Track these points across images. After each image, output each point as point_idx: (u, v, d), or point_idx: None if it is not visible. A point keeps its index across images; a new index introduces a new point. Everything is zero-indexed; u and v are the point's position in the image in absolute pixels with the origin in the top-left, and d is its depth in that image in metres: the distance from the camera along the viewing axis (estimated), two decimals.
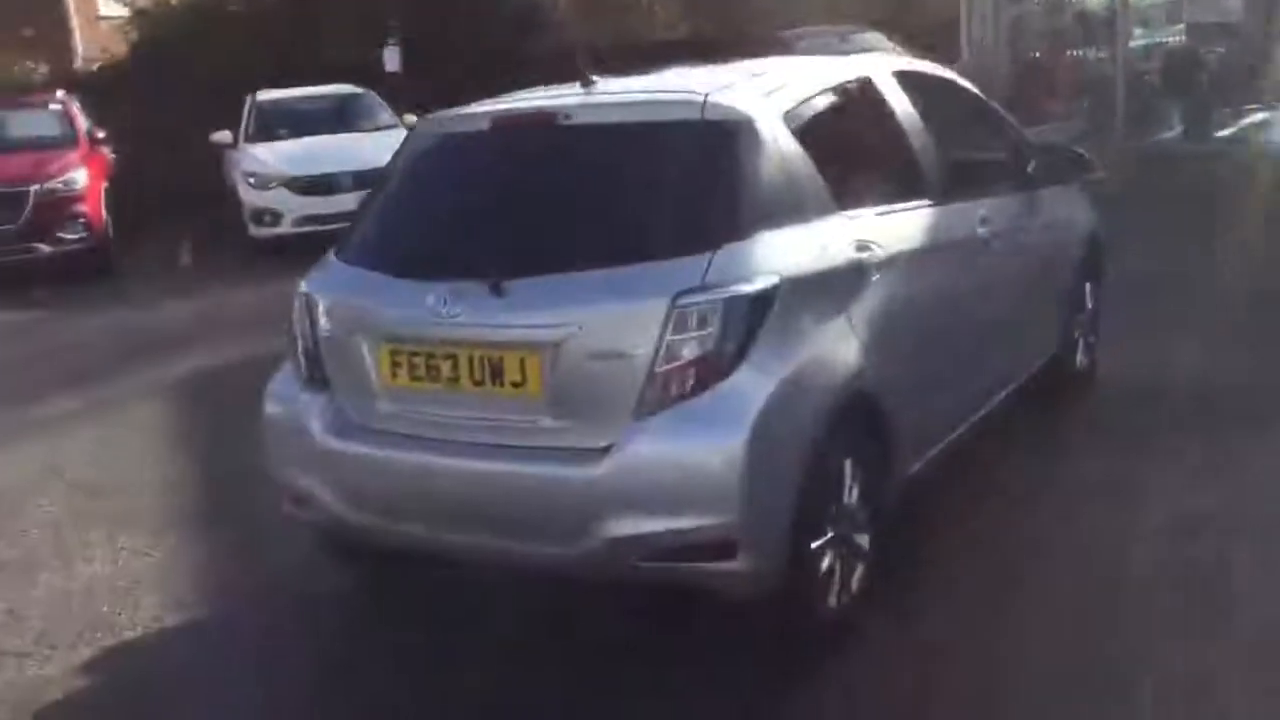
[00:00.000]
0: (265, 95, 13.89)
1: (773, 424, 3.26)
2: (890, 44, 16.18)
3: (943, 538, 4.30)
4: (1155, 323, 6.74)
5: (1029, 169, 5.18)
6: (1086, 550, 4.16)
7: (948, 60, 15.65)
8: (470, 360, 3.47)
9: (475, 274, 3.46)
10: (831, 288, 3.59)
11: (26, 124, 12.80)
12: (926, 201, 4.26)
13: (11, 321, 10.32)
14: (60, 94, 13.66)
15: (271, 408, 3.94)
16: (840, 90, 4.12)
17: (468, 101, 4.20)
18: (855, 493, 3.65)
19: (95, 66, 18.60)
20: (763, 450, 3.22)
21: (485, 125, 3.89)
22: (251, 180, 12.45)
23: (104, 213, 11.87)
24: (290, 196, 12.17)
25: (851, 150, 4.09)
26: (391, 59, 16.64)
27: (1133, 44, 16.18)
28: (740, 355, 3.26)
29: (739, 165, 3.51)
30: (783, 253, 3.45)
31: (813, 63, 4.30)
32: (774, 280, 3.34)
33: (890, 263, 3.85)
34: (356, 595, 4.36)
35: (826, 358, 3.50)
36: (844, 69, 4.31)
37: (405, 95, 14.30)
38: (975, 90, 5.22)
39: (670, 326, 3.23)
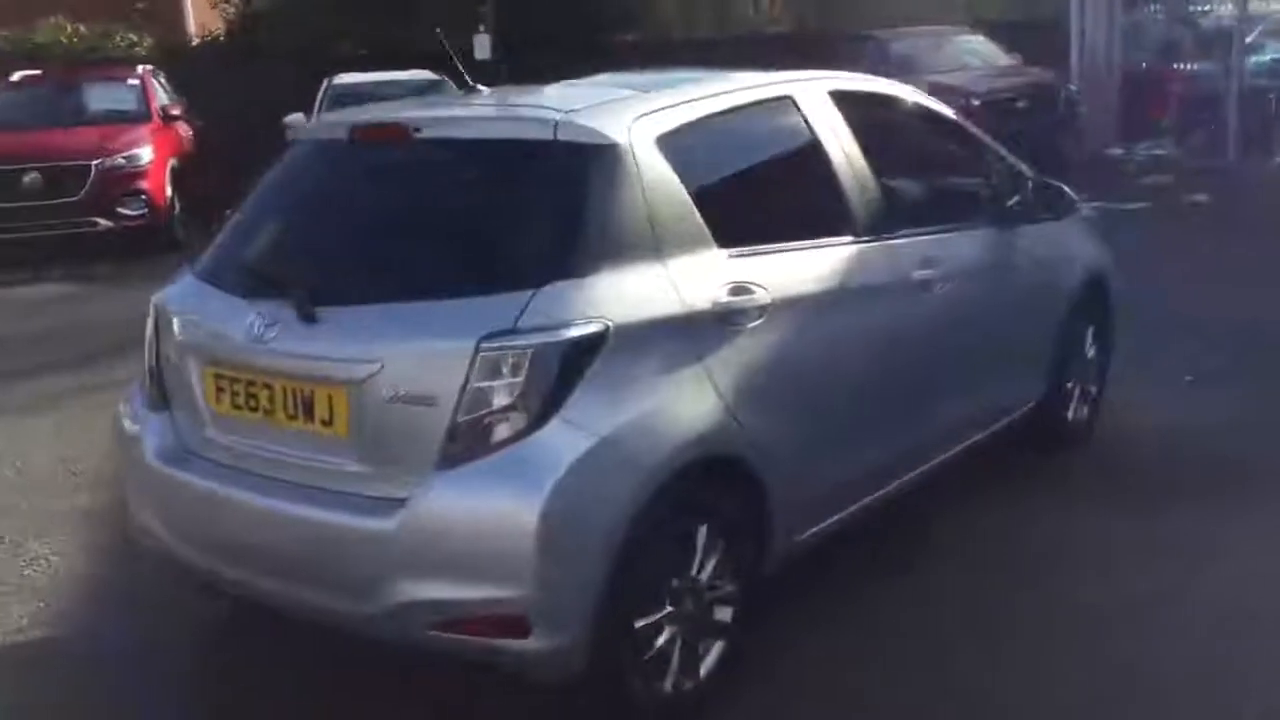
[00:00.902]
0: (341, 79, 13.87)
1: (581, 487, 2.90)
2: (993, 47, 15.48)
3: (824, 603, 3.90)
4: (1205, 373, 6.17)
5: (1010, 203, 4.70)
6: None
7: (1051, 65, 15.05)
8: (285, 392, 3.19)
9: (294, 297, 3.19)
10: (689, 336, 3.20)
11: (102, 98, 12.98)
12: (846, 239, 3.84)
13: (61, 293, 10.49)
14: (141, 69, 13.84)
15: (119, 424, 3.73)
16: (744, 113, 3.71)
17: None
18: (712, 563, 3.28)
19: (194, 42, 18.91)
20: (564, 517, 2.88)
21: (344, 134, 3.60)
22: None
23: (167, 189, 11.97)
24: None
25: (747, 181, 3.69)
26: (481, 47, 16.52)
27: (1257, 59, 15.11)
28: (550, 409, 2.90)
29: (583, 194, 3.16)
30: (622, 295, 3.08)
31: (727, 81, 3.88)
32: (599, 327, 2.98)
33: (779, 307, 3.44)
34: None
35: (669, 415, 3.11)
36: (764, 89, 3.90)
37: (495, 84, 14.15)
38: (947, 114, 4.75)
39: (475, 372, 2.90)
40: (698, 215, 3.34)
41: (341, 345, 3.10)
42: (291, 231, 3.53)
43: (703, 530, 3.25)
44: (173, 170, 12.25)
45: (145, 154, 11.82)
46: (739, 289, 3.36)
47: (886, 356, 3.89)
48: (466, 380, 2.89)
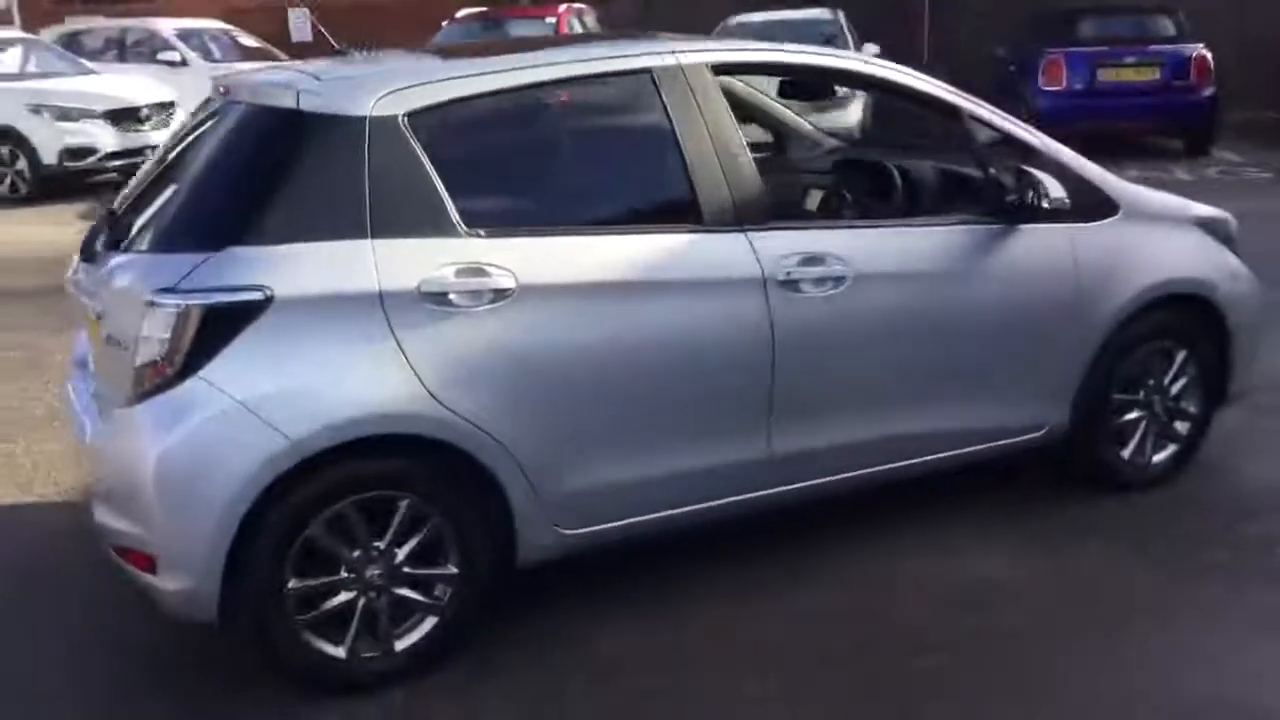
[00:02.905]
0: (735, 19, 14.08)
1: (206, 445, 3.07)
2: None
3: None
4: None
5: (984, 196, 4.06)
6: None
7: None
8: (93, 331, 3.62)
9: (105, 246, 3.59)
10: (385, 314, 3.19)
11: (521, 30, 14.19)
12: (672, 228, 3.59)
13: None
14: (565, 7, 14.90)
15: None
16: (557, 89, 3.54)
17: None
18: (416, 540, 3.33)
19: None
20: (183, 470, 3.08)
21: (220, 90, 3.88)
22: None
23: None
24: None
25: (536, 162, 3.53)
26: None
27: None
28: (191, 367, 3.09)
29: (289, 164, 3.25)
30: (302, 267, 3.16)
31: (567, 53, 3.67)
32: (257, 295, 3.10)
33: (529, 293, 3.33)
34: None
35: (337, 388, 3.15)
36: (610, 62, 3.67)
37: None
38: (917, 88, 4.09)
39: (144, 324, 3.15)
40: (440, 195, 3.30)
41: (93, 286, 3.48)
42: (147, 185, 3.89)
43: (402, 504, 3.29)
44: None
45: None
46: (471, 271, 3.29)
47: (705, 357, 3.58)
48: (138, 330, 3.15)
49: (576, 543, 3.58)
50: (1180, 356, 4.46)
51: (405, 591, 3.36)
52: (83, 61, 14.69)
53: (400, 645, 3.39)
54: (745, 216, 3.66)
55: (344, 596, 3.29)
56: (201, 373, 3.09)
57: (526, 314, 3.35)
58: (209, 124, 3.63)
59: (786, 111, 5.22)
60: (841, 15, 13.85)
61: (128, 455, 3.16)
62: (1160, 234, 4.39)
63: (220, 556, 3.10)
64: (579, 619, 3.72)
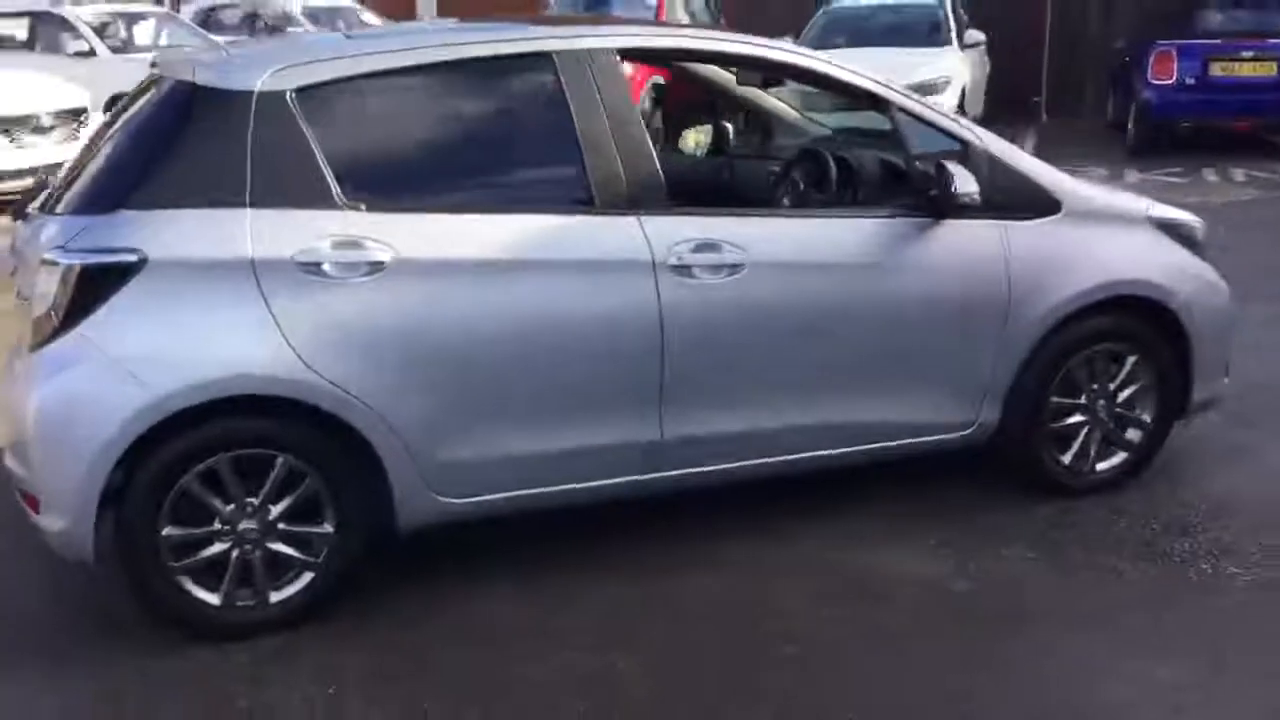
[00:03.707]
0: (840, 2, 13.92)
1: (78, 396, 3.30)
2: None
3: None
4: None
5: (897, 188, 4.05)
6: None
7: None
8: None
9: (38, 209, 3.83)
10: (257, 280, 3.34)
11: (626, 9, 14.28)
12: (560, 210, 3.68)
13: None
14: None
15: None
16: (453, 70, 3.64)
17: None
18: (293, 498, 3.50)
19: None
20: (57, 418, 3.31)
21: (152, 65, 4.05)
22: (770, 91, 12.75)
23: (643, 103, 12.99)
24: None
25: (422, 142, 3.63)
26: None
27: None
28: (71, 322, 3.30)
29: (177, 135, 3.45)
30: (179, 233, 3.34)
31: (466, 34, 3.76)
32: (132, 258, 3.29)
33: (405, 267, 3.45)
34: None
35: (205, 348, 3.32)
36: (511, 44, 3.76)
37: None
38: (846, 78, 4.06)
39: (39, 279, 3.37)
40: (322, 169, 3.44)
41: (18, 245, 3.73)
42: (84, 151, 4.09)
43: (277, 463, 3.45)
44: (654, 86, 13.22)
45: (628, 66, 12.86)
46: (347, 243, 3.42)
47: (591, 338, 3.64)
48: (35, 284, 3.38)
49: (459, 511, 3.69)
50: (1130, 362, 4.31)
51: (280, 546, 3.52)
52: (213, 38, 15.36)
53: (275, 597, 3.55)
54: (639, 201, 3.70)
55: (219, 547, 3.47)
56: (80, 327, 3.30)
57: (402, 287, 3.47)
58: (141, 97, 3.84)
59: (777, 104, 5.24)
60: (947, 2, 13.51)
61: (19, 402, 3.40)
62: (1106, 234, 4.24)
63: (93, 501, 3.30)
64: (460, 584, 3.83)
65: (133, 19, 15.51)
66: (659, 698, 3.25)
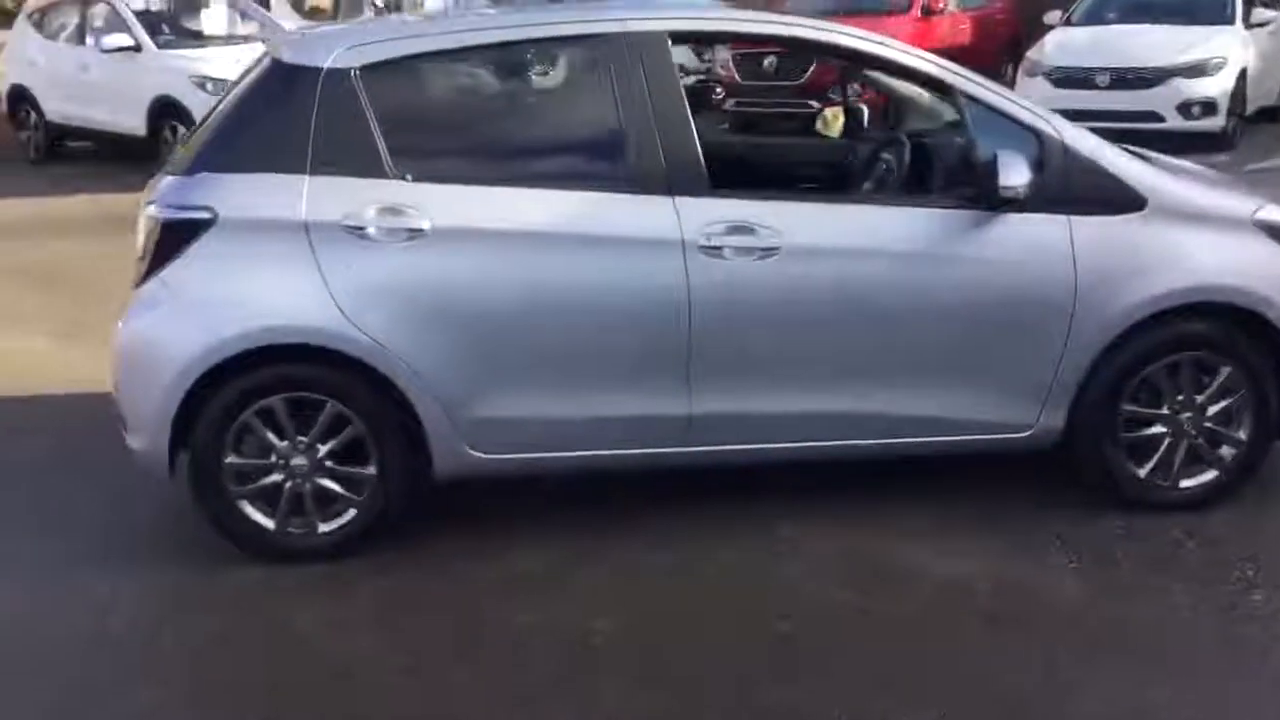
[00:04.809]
0: None
1: (157, 332, 3.77)
2: None
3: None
4: None
5: (956, 183, 3.94)
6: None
7: None
8: None
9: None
10: (309, 241, 3.68)
11: None
12: (612, 186, 3.83)
13: None
14: None
15: None
16: (510, 50, 3.84)
17: None
18: (333, 443, 3.84)
19: None
20: (136, 350, 3.81)
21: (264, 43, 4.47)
22: (1024, 66, 12.24)
23: None
24: (1044, 86, 11.74)
25: (476, 117, 3.85)
26: None
27: None
28: (154, 268, 3.76)
29: (255, 106, 3.87)
30: (248, 194, 3.73)
31: (531, 17, 3.91)
32: (206, 215, 3.71)
33: (442, 235, 3.72)
34: None
35: (263, 299, 3.71)
36: (568, 26, 3.90)
37: None
38: (914, 63, 3.94)
39: (140, 228, 3.86)
40: (377, 140, 3.74)
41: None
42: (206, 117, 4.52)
43: (326, 407, 3.81)
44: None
45: None
46: (390, 210, 3.72)
47: (619, 311, 3.78)
48: (139, 234, 3.89)
49: (491, 466, 3.94)
50: (1224, 373, 4.01)
51: (328, 483, 3.89)
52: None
53: (323, 528, 3.93)
54: (677, 182, 3.80)
55: (274, 478, 3.87)
56: (162, 273, 3.77)
57: (440, 253, 3.74)
58: (251, 72, 4.28)
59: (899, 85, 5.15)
60: None
61: (115, 336, 3.90)
62: (1198, 235, 3.96)
63: (165, 427, 3.77)
64: (494, 533, 4.10)
65: None
66: (616, 664, 3.37)
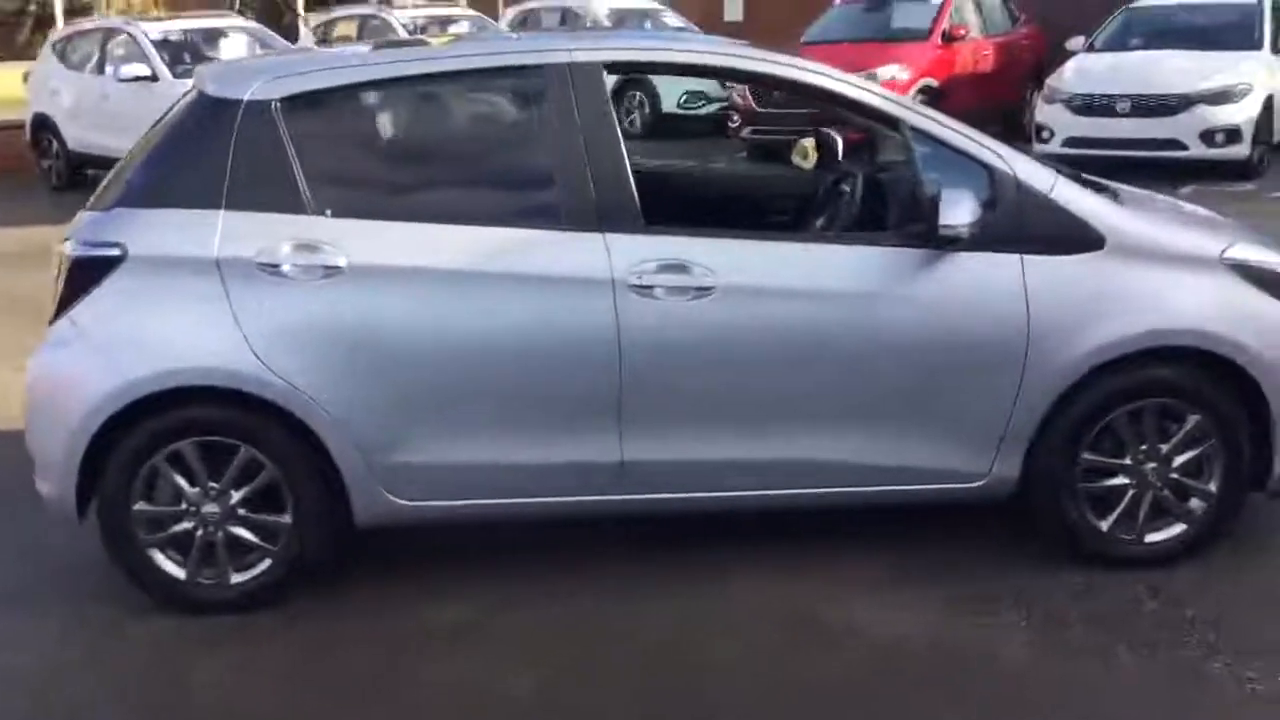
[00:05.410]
0: (1146, 1, 12.81)
1: (61, 373, 3.65)
2: None
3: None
4: None
5: (901, 218, 3.75)
6: None
7: None
8: None
9: None
10: (221, 279, 3.55)
11: (905, 17, 13.80)
12: (539, 223, 3.66)
13: None
14: None
15: None
16: (433, 82, 3.70)
17: None
18: (254, 485, 3.69)
19: None
20: (43, 392, 3.68)
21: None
22: (1044, 93, 11.99)
23: None
24: (1063, 113, 11.49)
25: (399, 152, 3.74)
26: None
27: None
28: (63, 307, 3.65)
29: (172, 139, 3.74)
30: (159, 230, 3.61)
31: (464, 47, 3.76)
32: (116, 251, 3.59)
33: (359, 273, 3.57)
34: None
35: (172, 339, 3.58)
36: (499, 57, 3.76)
37: None
38: (860, 96, 3.75)
39: (55, 265, 3.76)
40: (295, 175, 3.61)
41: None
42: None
43: (239, 452, 3.66)
44: (925, 89, 12.73)
45: (888, 73, 12.47)
46: (304, 247, 3.58)
47: (546, 353, 3.61)
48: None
49: (414, 514, 3.78)
50: (1191, 422, 3.77)
51: (241, 531, 3.74)
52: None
53: (236, 579, 3.77)
54: (609, 219, 3.63)
55: (184, 525, 3.72)
56: (71, 311, 3.65)
57: (357, 292, 3.59)
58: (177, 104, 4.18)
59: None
60: (1267, 3, 12.11)
61: (27, 374, 3.79)
62: (1161, 275, 3.73)
63: (73, 471, 3.64)
64: (417, 581, 3.94)
65: (447, 21, 16.63)
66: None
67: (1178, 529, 3.88)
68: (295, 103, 3.67)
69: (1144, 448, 3.80)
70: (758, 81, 4.43)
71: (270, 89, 3.68)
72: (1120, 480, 3.83)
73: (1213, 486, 3.84)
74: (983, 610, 3.67)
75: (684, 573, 3.93)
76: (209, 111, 3.72)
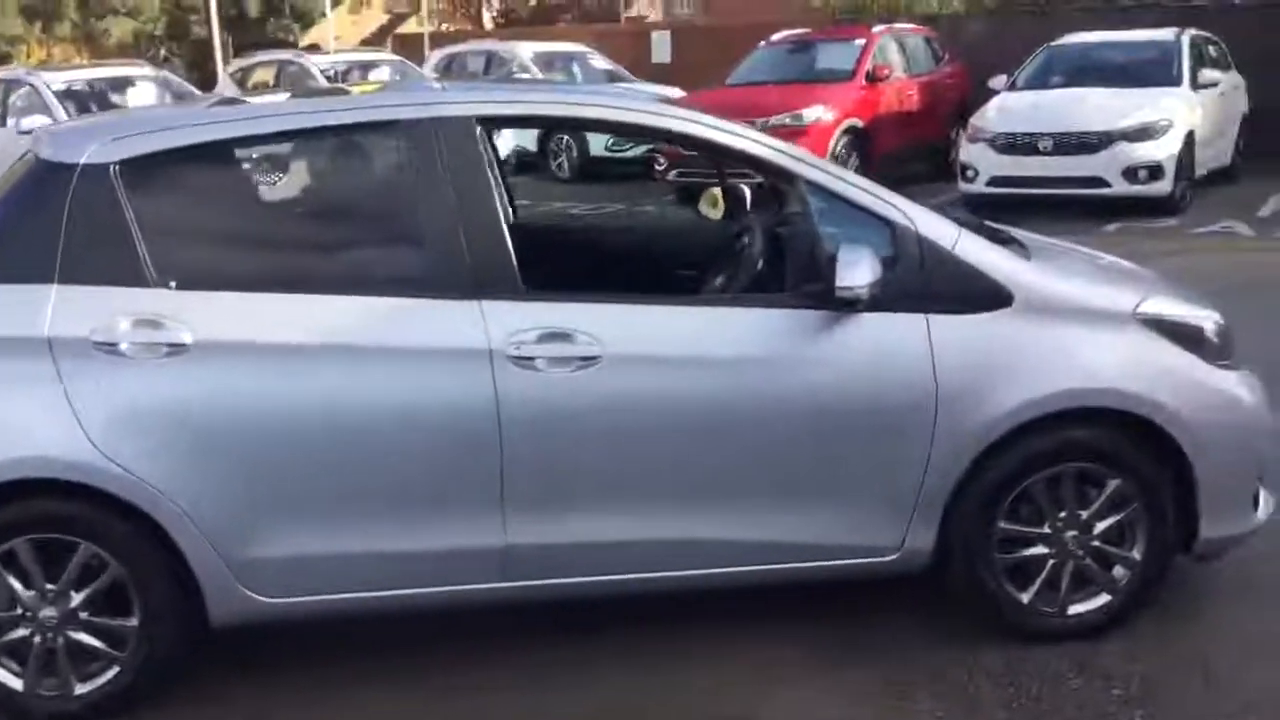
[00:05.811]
0: (1067, 39, 12.84)
1: None
2: None
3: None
4: None
5: (782, 277, 3.55)
6: None
7: None
8: None
9: None
10: (53, 359, 3.22)
11: (829, 58, 13.74)
12: (407, 291, 3.36)
13: None
14: (887, 29, 14.22)
15: None
16: (286, 140, 3.42)
17: None
18: (89, 591, 3.35)
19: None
20: None
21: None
22: (968, 132, 11.94)
23: (829, 146, 12.37)
24: (987, 153, 11.42)
25: (246, 216, 3.44)
26: None
27: None
28: None
29: (13, 207, 3.41)
30: None
31: (319, 103, 3.49)
32: None
33: (206, 350, 3.25)
34: None
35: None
36: (358, 113, 3.49)
37: None
38: (746, 147, 3.51)
39: None
40: (136, 244, 3.29)
41: None
42: None
43: (78, 550, 3.32)
44: (850, 130, 12.64)
45: (812, 114, 12.37)
46: (145, 323, 3.26)
47: (419, 432, 3.31)
48: None
49: (277, 611, 3.44)
50: (1111, 486, 3.55)
51: (83, 636, 3.38)
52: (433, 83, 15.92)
53: (80, 689, 3.40)
54: (485, 285, 3.35)
55: (20, 632, 3.36)
56: None
57: (205, 371, 3.27)
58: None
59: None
60: (1185, 40, 12.16)
61: None
62: (1072, 333, 3.51)
63: None
64: (299, 679, 3.61)
65: (369, 66, 16.34)
66: None
67: (1102, 599, 3.64)
68: (135, 165, 3.35)
69: (1063, 515, 3.57)
70: (636, 134, 4.17)
71: (108, 151, 3.36)
72: (1039, 550, 3.59)
73: (1136, 553, 3.61)
74: (894, 696, 3.41)
75: (585, 659, 3.63)
76: (43, 177, 3.40)
